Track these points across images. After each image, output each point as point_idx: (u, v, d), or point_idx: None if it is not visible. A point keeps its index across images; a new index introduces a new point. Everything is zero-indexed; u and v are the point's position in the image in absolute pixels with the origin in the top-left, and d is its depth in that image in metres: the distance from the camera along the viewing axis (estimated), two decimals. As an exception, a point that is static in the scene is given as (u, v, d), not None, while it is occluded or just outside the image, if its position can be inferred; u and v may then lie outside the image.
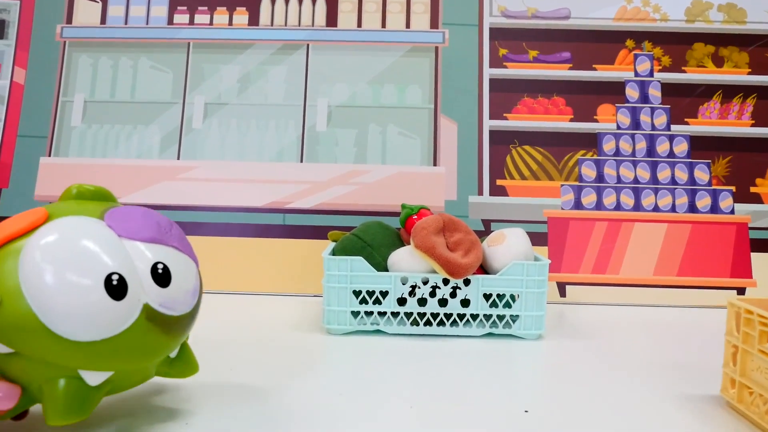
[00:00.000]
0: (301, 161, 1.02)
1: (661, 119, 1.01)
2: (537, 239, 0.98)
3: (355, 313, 0.74)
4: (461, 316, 0.74)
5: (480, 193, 1.00)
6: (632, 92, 1.02)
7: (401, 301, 0.74)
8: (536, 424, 0.49)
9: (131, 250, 0.41)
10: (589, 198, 1.00)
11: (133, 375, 0.42)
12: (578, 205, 1.00)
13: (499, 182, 1.01)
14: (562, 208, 1.00)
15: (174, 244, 0.44)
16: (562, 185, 1.00)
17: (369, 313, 0.75)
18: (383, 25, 1.06)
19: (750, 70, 1.02)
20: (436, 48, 1.05)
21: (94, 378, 0.39)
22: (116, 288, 0.38)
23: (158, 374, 0.46)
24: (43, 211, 0.40)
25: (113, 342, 0.38)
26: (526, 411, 0.51)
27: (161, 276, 0.42)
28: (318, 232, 0.99)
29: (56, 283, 0.37)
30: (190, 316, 0.44)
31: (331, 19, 1.06)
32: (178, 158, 1.03)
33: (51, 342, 0.37)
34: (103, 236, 0.40)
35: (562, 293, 0.96)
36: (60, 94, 1.05)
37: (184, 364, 0.47)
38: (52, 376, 0.38)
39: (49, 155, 1.03)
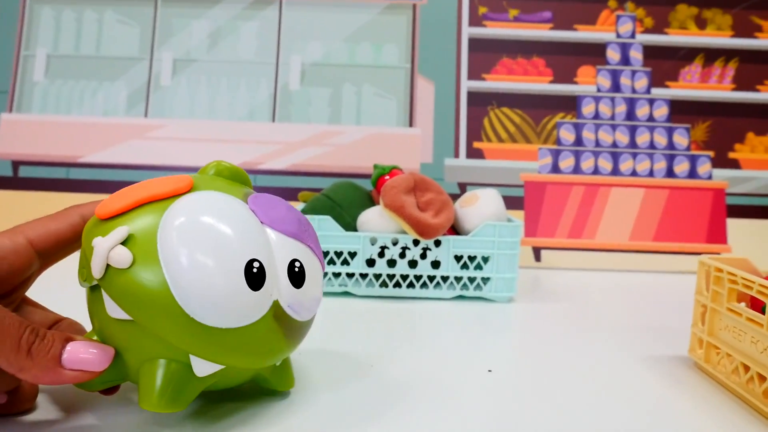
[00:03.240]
0: (273, 121, 0.99)
1: (641, 82, 0.99)
2: (514, 203, 0.97)
3: (323, 275, 0.72)
4: (431, 278, 0.73)
5: (456, 155, 0.98)
6: (613, 54, 1.00)
7: (370, 263, 0.72)
8: (497, 382, 0.48)
9: (272, 240, 0.37)
10: (566, 162, 0.98)
11: (238, 375, 0.38)
12: (556, 168, 0.98)
13: (476, 145, 0.99)
14: (540, 172, 0.98)
15: (310, 245, 0.40)
16: (539, 148, 0.99)
17: (337, 275, 0.73)
18: (359, -20, 1.02)
19: (733, 33, 1.00)
20: (414, 5, 1.01)
21: (203, 368, 0.35)
22: (255, 276, 0.35)
23: (256, 379, 0.41)
24: (189, 180, 0.36)
25: (237, 333, 0.35)
26: (489, 370, 0.50)
27: (297, 275, 0.38)
28: (290, 194, 0.96)
29: (196, 259, 0.33)
30: (308, 325, 0.41)
31: (306, -26, 1.02)
32: (146, 116, 1.00)
33: (177, 319, 0.33)
34: (247, 219, 0.36)
35: (537, 258, 0.95)
36: (21, 48, 1.01)
37: (285, 374, 0.42)
38: (158, 354, 0.34)
39: (11, 111, 0.99)
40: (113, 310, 0.34)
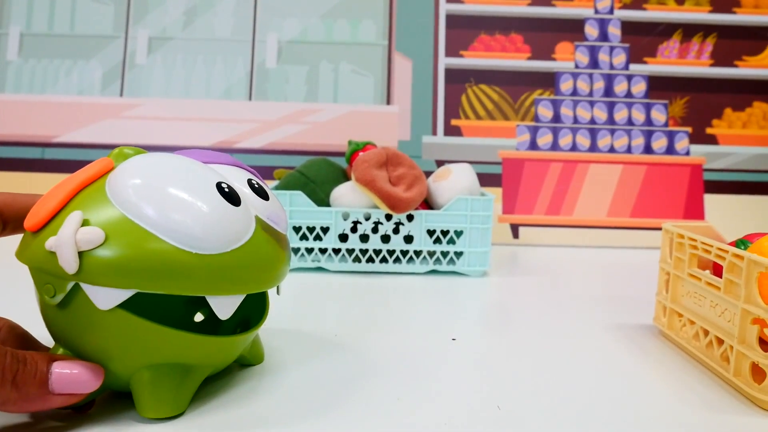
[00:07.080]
0: (250, 99, 0.99)
1: (619, 58, 0.99)
2: (492, 180, 0.97)
3: (295, 250, 0.72)
4: (404, 253, 0.73)
5: (434, 133, 0.98)
6: (591, 30, 1.00)
7: (343, 238, 0.72)
8: (465, 353, 0.48)
9: (221, 171, 0.38)
10: (544, 138, 0.98)
11: (227, 356, 0.38)
12: (534, 145, 0.98)
13: (453, 122, 0.98)
14: (518, 149, 0.98)
15: (253, 172, 0.42)
16: (517, 125, 0.98)
17: (309, 250, 0.73)
18: (336, -44, 1.01)
19: (711, 8, 1.00)
20: (391, -19, 1.00)
21: (224, 309, 0.34)
22: (229, 194, 0.35)
23: (238, 359, 0.42)
24: (108, 159, 0.35)
25: (241, 253, 0.34)
26: (453, 339, 0.50)
27: (259, 190, 0.39)
28: (267, 173, 0.96)
29: (170, 200, 0.32)
30: (287, 240, 0.41)
31: (282, -50, 1.01)
32: (121, 95, 0.99)
33: (183, 262, 0.32)
34: (191, 159, 0.36)
35: (516, 235, 0.95)
36: (-7, 26, 0.99)
37: (258, 349, 0.44)
38: (152, 358, 0.33)
39: (-17, 91, 0.98)
40: (105, 299, 0.31)
